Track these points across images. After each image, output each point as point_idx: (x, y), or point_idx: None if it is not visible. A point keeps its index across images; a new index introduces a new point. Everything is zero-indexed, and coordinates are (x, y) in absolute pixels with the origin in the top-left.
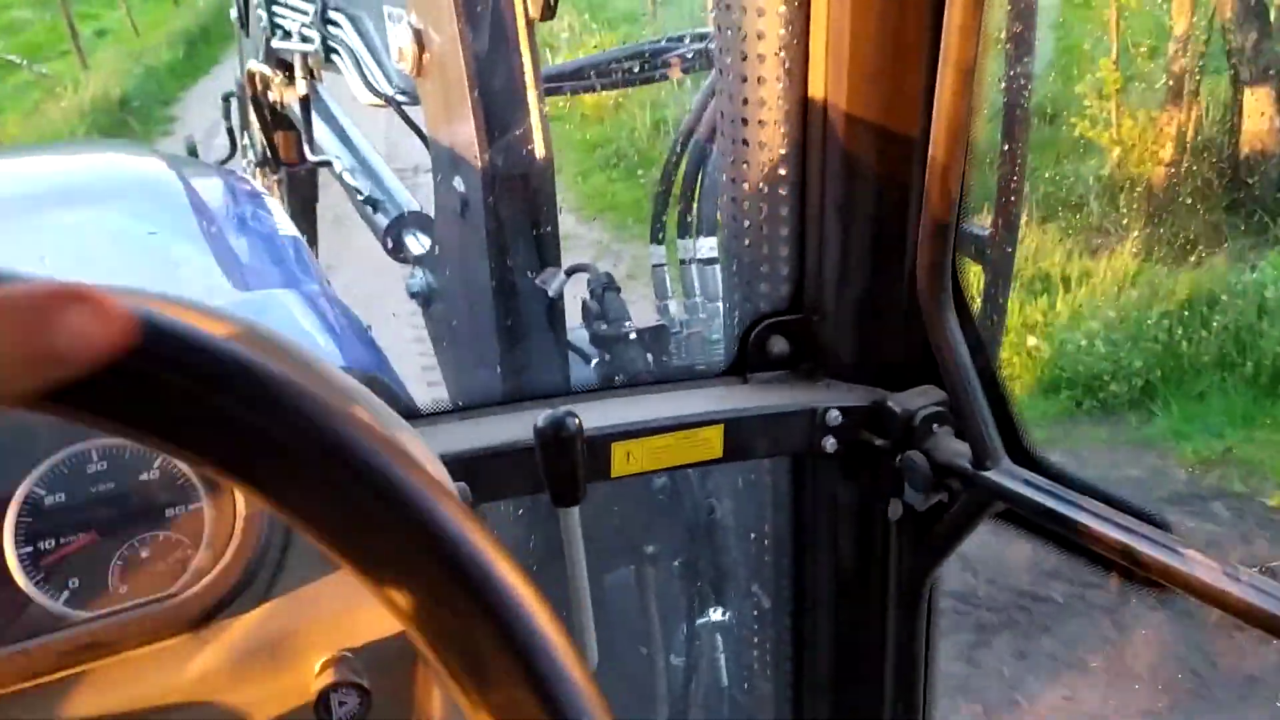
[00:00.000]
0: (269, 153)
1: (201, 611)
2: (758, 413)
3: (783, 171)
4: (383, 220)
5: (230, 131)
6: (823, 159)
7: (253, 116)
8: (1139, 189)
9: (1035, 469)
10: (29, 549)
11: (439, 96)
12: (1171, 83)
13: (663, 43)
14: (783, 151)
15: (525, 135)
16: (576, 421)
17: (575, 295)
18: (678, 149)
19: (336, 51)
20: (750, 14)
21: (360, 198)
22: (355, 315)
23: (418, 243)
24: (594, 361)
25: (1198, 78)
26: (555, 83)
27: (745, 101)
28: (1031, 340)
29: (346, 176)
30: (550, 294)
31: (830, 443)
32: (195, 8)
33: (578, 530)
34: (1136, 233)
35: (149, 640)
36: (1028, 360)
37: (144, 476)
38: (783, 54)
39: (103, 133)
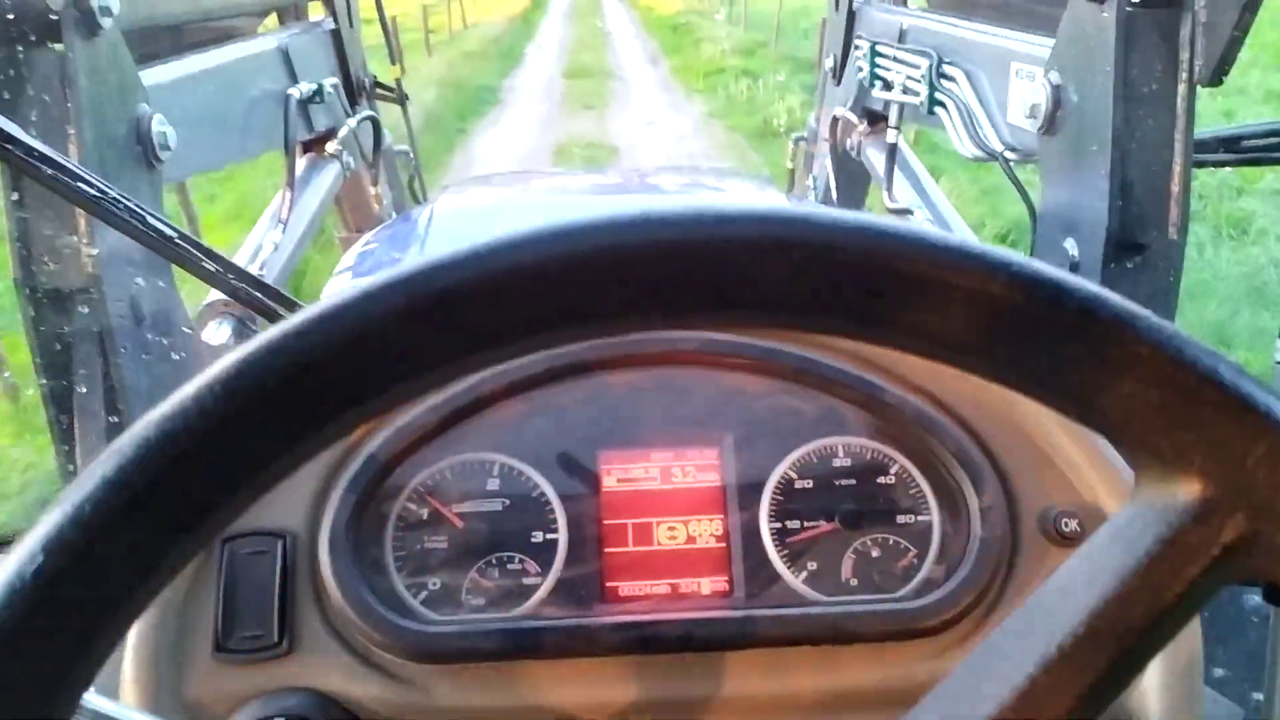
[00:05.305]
0: (832, 193)
1: (928, 623)
2: None
3: None
4: None
5: (791, 172)
6: None
7: (821, 158)
8: None
9: None
10: (778, 525)
11: (1067, 155)
12: None
13: None
14: None
15: (1162, 205)
16: None
17: None
18: None
19: (942, 104)
20: None
21: None
22: None
23: None
24: None
25: None
26: (1199, 153)
27: None
28: None
29: (927, 226)
30: None
31: None
32: None
33: None
34: None
35: (874, 638)
36: None
37: (881, 479)
38: None
39: None
